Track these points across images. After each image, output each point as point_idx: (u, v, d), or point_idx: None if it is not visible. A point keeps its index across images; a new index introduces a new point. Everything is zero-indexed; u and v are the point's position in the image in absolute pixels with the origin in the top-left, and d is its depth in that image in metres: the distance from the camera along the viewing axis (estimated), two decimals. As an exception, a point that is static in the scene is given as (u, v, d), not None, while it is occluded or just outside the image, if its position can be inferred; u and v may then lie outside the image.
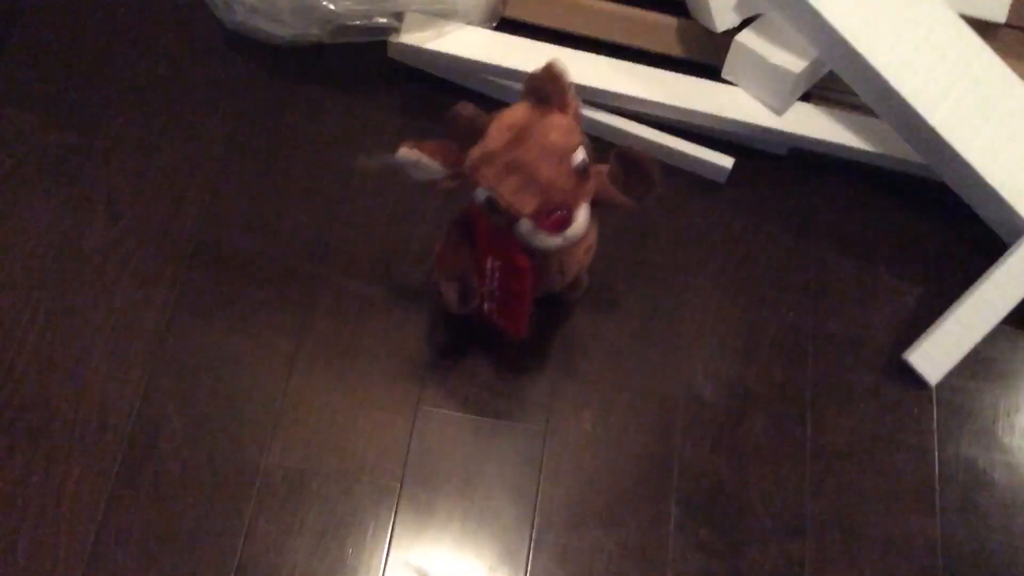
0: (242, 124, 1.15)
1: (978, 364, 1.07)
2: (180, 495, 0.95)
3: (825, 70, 1.12)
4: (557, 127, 0.83)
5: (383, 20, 1.09)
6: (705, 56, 1.19)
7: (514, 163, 0.81)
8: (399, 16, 1.10)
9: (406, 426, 1.00)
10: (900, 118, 1.06)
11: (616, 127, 1.15)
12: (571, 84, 0.85)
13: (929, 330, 1.06)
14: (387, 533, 0.95)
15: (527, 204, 0.82)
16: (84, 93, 1.15)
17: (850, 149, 1.12)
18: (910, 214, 1.16)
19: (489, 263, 0.92)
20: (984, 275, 1.05)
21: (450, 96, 1.17)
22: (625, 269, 1.10)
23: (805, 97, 1.16)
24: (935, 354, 1.05)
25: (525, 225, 0.84)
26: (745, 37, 1.10)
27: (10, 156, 1.11)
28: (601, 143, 1.16)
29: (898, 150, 1.11)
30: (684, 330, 1.08)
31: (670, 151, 1.15)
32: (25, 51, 1.17)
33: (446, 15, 1.12)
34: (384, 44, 1.14)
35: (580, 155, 0.83)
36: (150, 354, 1.01)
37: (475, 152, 0.82)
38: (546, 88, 0.83)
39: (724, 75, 1.15)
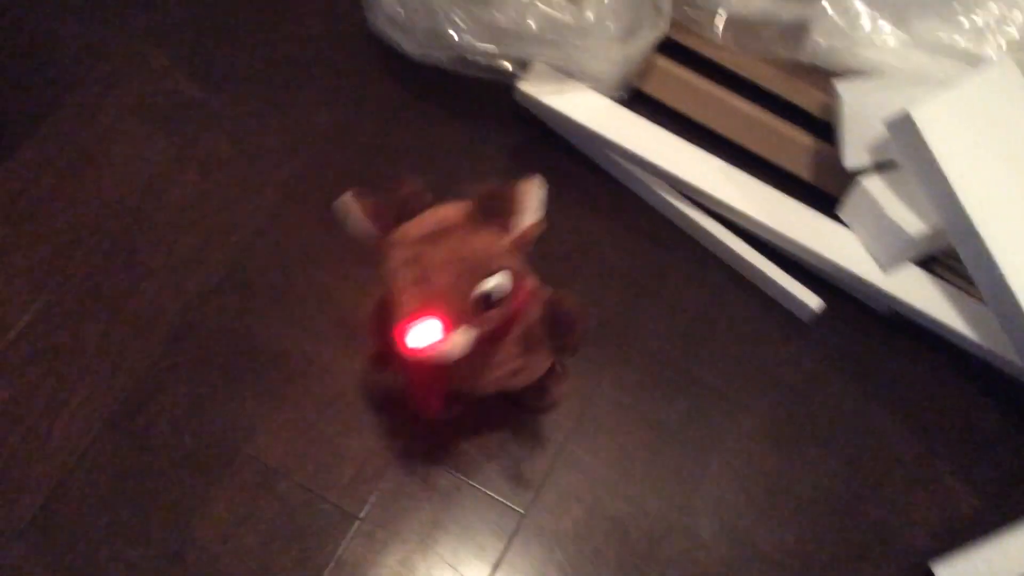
0: (353, 121, 1.16)
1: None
2: (159, 452, 0.97)
3: (948, 241, 1.02)
4: (479, 244, 0.76)
5: (507, 65, 1.08)
6: (830, 187, 1.11)
7: (419, 258, 0.75)
8: (525, 64, 1.09)
9: (383, 463, 0.98)
10: (1009, 317, 0.95)
11: (710, 231, 1.09)
12: (531, 212, 0.77)
13: (969, 548, 0.94)
14: (331, 558, 0.94)
15: (407, 302, 0.75)
16: (221, 53, 1.20)
17: (951, 330, 1.02)
18: (997, 418, 1.04)
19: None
20: (1053, 515, 0.93)
21: (561, 151, 1.16)
22: (671, 372, 1.04)
23: (927, 262, 1.06)
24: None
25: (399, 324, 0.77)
26: (870, 182, 1.02)
27: (136, 91, 1.16)
28: (691, 243, 1.11)
29: (1002, 348, 1.00)
30: (709, 459, 1.01)
31: (759, 273, 1.08)
32: (186, 2, 1.23)
33: (573, 74, 1.09)
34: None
35: (493, 282, 0.75)
36: (186, 313, 1.04)
37: (396, 232, 0.78)
38: (494, 202, 0.77)
39: (840, 214, 1.06)
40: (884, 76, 1.06)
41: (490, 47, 1.06)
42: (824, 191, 1.12)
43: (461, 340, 0.75)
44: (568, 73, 1.10)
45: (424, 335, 0.74)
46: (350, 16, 1.21)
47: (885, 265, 1.03)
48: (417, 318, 0.74)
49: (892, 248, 1.01)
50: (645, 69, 1.16)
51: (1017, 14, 1.05)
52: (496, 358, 0.84)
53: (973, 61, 1.06)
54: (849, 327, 1.08)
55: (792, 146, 1.13)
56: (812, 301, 1.06)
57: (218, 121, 1.15)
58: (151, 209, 1.09)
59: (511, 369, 0.86)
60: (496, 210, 0.77)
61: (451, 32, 1.05)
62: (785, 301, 1.08)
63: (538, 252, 1.08)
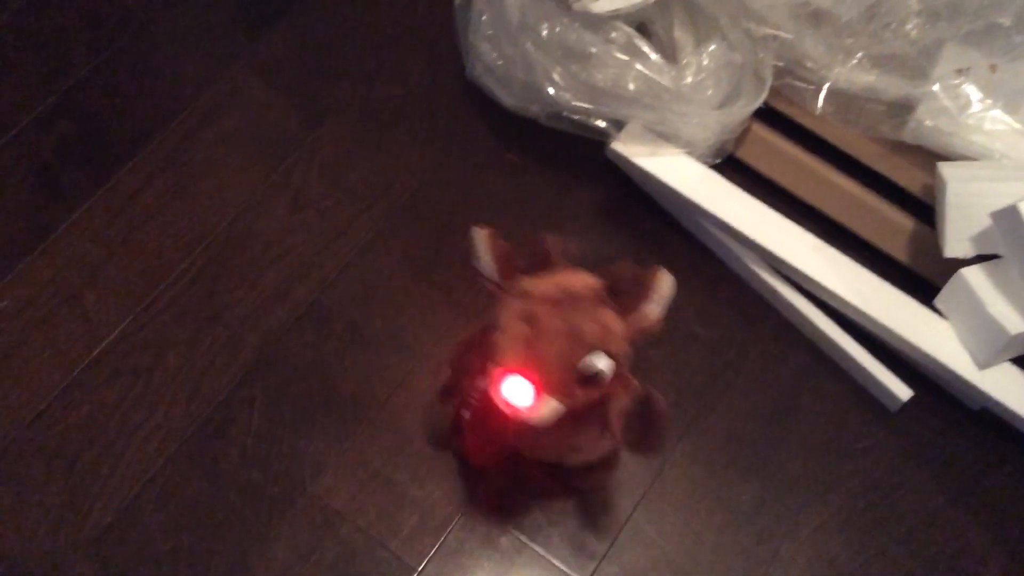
0: (444, 166, 1.17)
1: None
2: (227, 483, 0.98)
3: (1051, 342, 0.98)
4: (598, 321, 0.75)
5: (602, 124, 1.07)
6: (930, 274, 1.07)
7: (535, 318, 0.75)
8: (619, 124, 1.08)
9: (450, 513, 0.97)
10: (1114, 429, 0.90)
11: (798, 308, 1.06)
12: (659, 301, 0.77)
13: (1055, 676, 0.89)
14: (386, 610, 0.93)
15: (512, 357, 0.75)
16: (322, 89, 1.21)
17: (1048, 436, 0.97)
18: (1094, 535, 0.99)
19: (480, 380, 0.86)
20: None
21: (649, 212, 1.14)
22: (748, 452, 1.01)
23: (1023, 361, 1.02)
24: None
25: (495, 373, 0.77)
26: (970, 273, 0.98)
27: (235, 121, 1.19)
28: (778, 319, 1.08)
29: (1103, 461, 0.95)
30: (780, 548, 0.97)
31: (846, 356, 1.04)
32: (291, 33, 1.25)
33: (667, 137, 1.08)
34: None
35: (599, 364, 0.75)
36: (265, 345, 1.05)
37: (521, 284, 0.78)
38: (626, 285, 0.77)
39: (936, 303, 1.03)
40: (990, 163, 1.03)
41: (587, 105, 1.06)
42: (920, 276, 1.08)
43: (549, 410, 0.74)
44: (662, 135, 1.09)
45: (517, 393, 0.74)
46: (449, 63, 1.22)
47: (980, 361, 0.98)
48: (515, 374, 0.74)
49: (989, 344, 0.97)
50: (743, 136, 1.14)
51: None
52: (566, 432, 0.83)
53: (1088, 154, 1.02)
54: (937, 420, 1.03)
55: (890, 227, 1.10)
56: (901, 391, 1.02)
57: (312, 156, 1.17)
58: (239, 239, 1.11)
59: (575, 446, 0.85)
60: (624, 293, 0.77)
61: (548, 88, 1.05)
62: (872, 387, 1.04)
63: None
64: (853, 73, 1.09)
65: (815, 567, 0.96)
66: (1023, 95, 1.03)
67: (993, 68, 1.03)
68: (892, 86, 1.09)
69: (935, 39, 1.08)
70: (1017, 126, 1.03)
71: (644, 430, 0.80)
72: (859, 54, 1.10)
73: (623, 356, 0.77)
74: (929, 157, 1.07)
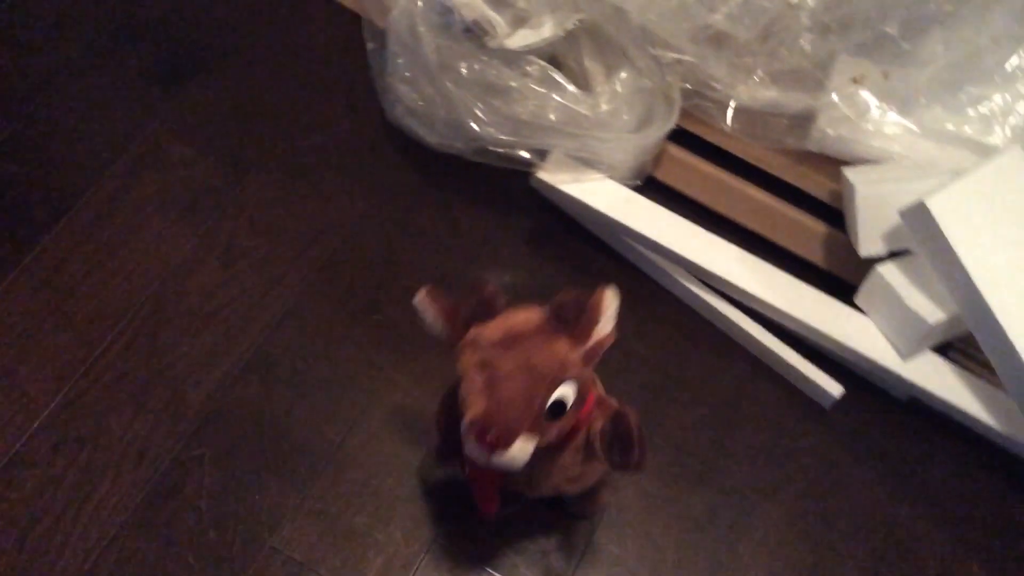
0: (374, 209, 1.18)
1: None
2: (184, 545, 0.96)
3: (965, 327, 1.04)
4: (551, 353, 0.76)
5: (526, 154, 1.10)
6: (847, 274, 1.13)
7: (489, 364, 0.76)
8: (543, 154, 1.11)
9: (415, 552, 0.98)
10: (1031, 403, 0.96)
11: (731, 319, 1.10)
12: (605, 320, 0.78)
13: (1003, 642, 0.94)
14: (359, 657, 0.93)
15: (473, 407, 0.75)
16: (241, 144, 1.22)
17: (971, 418, 1.02)
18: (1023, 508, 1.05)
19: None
20: (1083, 604, 0.93)
21: (579, 238, 1.17)
22: (695, 467, 1.04)
23: (944, 349, 1.08)
24: (1002, 672, 0.93)
25: (464, 426, 0.77)
26: (886, 270, 1.04)
27: (156, 181, 1.18)
28: (713, 331, 1.12)
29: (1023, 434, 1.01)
30: (737, 551, 1.00)
31: (780, 360, 1.09)
32: (203, 92, 1.25)
33: (589, 163, 1.12)
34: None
35: (561, 393, 0.76)
36: (209, 402, 1.04)
37: (470, 334, 0.78)
38: (572, 311, 0.78)
39: (857, 301, 1.08)
40: (893, 165, 1.09)
41: (511, 138, 1.09)
42: (838, 277, 1.14)
43: (522, 450, 0.75)
44: (584, 161, 1.13)
45: (485, 446, 0.74)
46: (369, 107, 1.23)
47: (903, 351, 1.04)
48: (482, 423, 0.74)
49: (910, 335, 1.02)
50: (659, 157, 1.19)
51: (1022, 104, 1.09)
52: (556, 464, 0.84)
53: (979, 150, 1.09)
54: (869, 414, 1.08)
55: (805, 233, 1.15)
56: (832, 388, 1.07)
57: (240, 209, 1.17)
58: (173, 298, 1.10)
59: (570, 476, 0.86)
60: (571, 319, 0.77)
61: (472, 124, 1.08)
62: (806, 388, 1.09)
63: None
64: (755, 90, 1.15)
65: (772, 567, 1.00)
66: (916, 99, 1.10)
67: (886, 75, 1.10)
68: (793, 100, 1.15)
69: (828, 52, 1.14)
70: (913, 128, 1.09)
71: (622, 448, 0.81)
72: (759, 72, 1.15)
73: (585, 379, 0.79)
74: (834, 164, 1.13)
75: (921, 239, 1.00)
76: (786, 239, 1.16)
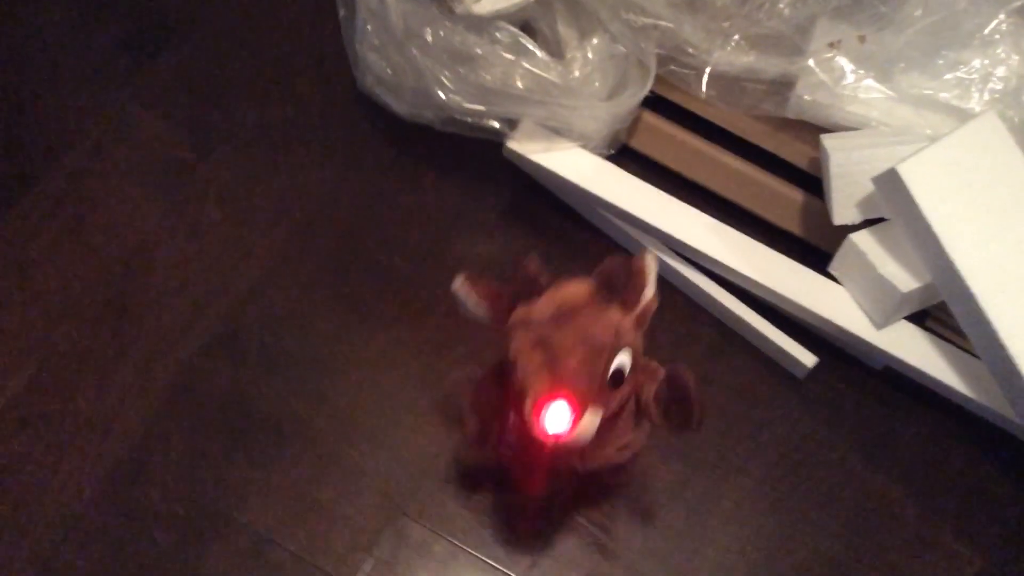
0: (345, 181, 1.17)
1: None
2: (150, 521, 0.96)
3: (939, 295, 1.02)
4: (606, 323, 0.76)
5: (495, 124, 1.08)
6: (824, 243, 1.11)
7: (546, 341, 0.75)
8: (513, 123, 1.09)
9: (381, 526, 0.97)
10: (1004, 374, 0.95)
11: (702, 288, 1.09)
12: (650, 285, 0.79)
13: (974, 613, 0.93)
14: (325, 630, 0.93)
15: (537, 387, 0.75)
16: (212, 116, 1.20)
17: (947, 387, 1.01)
18: (1000, 475, 1.03)
19: (512, 417, 0.87)
20: (1054, 574, 0.92)
21: (553, 208, 1.16)
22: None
23: (920, 318, 1.06)
24: (972, 643, 0.92)
25: (528, 407, 0.77)
26: (860, 238, 1.02)
27: (125, 155, 1.17)
28: (686, 301, 1.11)
29: (998, 403, 0.99)
30: (706, 523, 0.99)
31: (752, 330, 1.08)
32: (175, 65, 1.24)
33: (561, 132, 1.10)
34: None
35: (620, 360, 0.76)
36: (177, 377, 1.03)
37: (518, 314, 0.78)
38: (618, 280, 0.78)
39: (831, 270, 1.06)
40: (870, 131, 1.07)
41: (478, 106, 1.07)
42: (815, 246, 1.12)
43: (592, 423, 0.75)
44: (556, 131, 1.11)
45: (557, 419, 0.74)
46: (340, 77, 1.22)
47: (877, 321, 1.03)
48: (549, 402, 0.74)
49: (884, 304, 1.01)
50: (634, 125, 1.17)
51: (1001, 69, 1.06)
52: (612, 434, 0.83)
53: (958, 115, 1.06)
54: (843, 384, 1.07)
55: (782, 201, 1.13)
56: (806, 358, 1.05)
57: (209, 184, 1.15)
58: (140, 273, 1.09)
59: (621, 444, 0.86)
60: (621, 285, 0.77)
61: (439, 92, 1.05)
62: (779, 358, 1.08)
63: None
64: (732, 55, 1.12)
65: (743, 537, 0.99)
66: (893, 63, 1.08)
67: (862, 39, 1.08)
68: (770, 65, 1.12)
69: (807, 15, 1.11)
70: (890, 93, 1.07)
71: (681, 409, 0.80)
72: (736, 36, 1.13)
73: (638, 346, 0.78)
74: (813, 131, 1.10)
75: (894, 206, 0.98)
76: (763, 208, 1.15)
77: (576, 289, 0.79)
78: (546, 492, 0.95)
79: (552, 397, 0.74)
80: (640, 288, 0.78)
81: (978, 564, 0.99)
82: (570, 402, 0.74)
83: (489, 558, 0.96)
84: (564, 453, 0.85)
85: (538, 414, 0.75)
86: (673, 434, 0.89)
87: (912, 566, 0.98)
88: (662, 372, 0.84)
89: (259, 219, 1.14)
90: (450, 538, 0.97)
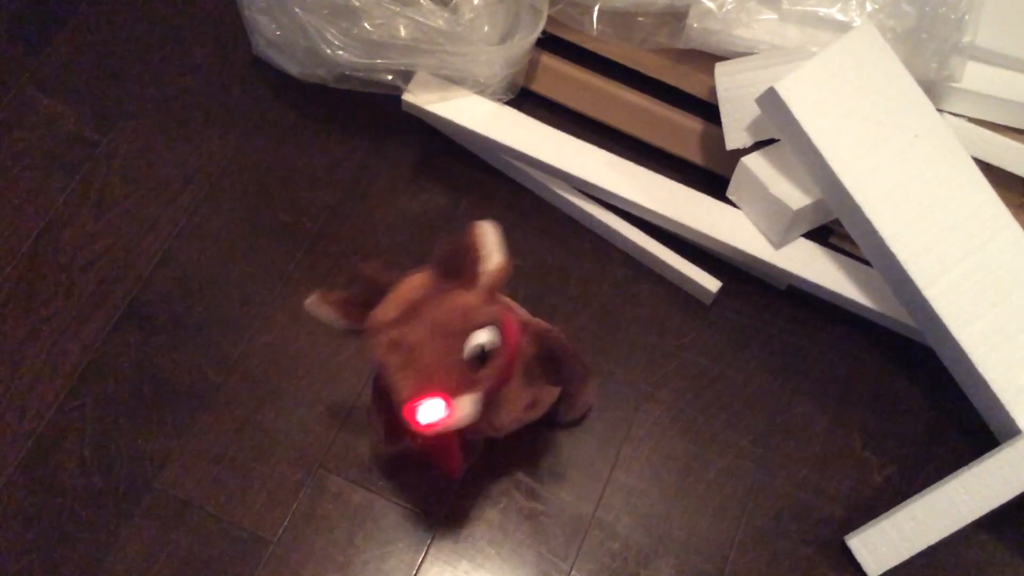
0: (248, 147, 1.17)
1: (929, 568, 0.96)
2: (70, 495, 0.97)
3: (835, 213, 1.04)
4: (452, 308, 0.76)
5: (388, 77, 1.08)
6: (725, 170, 1.12)
7: (398, 341, 0.75)
8: (408, 75, 1.09)
9: (298, 480, 0.99)
10: (896, 282, 0.96)
11: (608, 224, 1.10)
12: (492, 256, 0.77)
13: (881, 517, 0.95)
14: (246, 586, 0.94)
15: (402, 387, 0.75)
16: (111, 92, 1.20)
17: (847, 300, 1.03)
18: (903, 382, 1.05)
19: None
20: (956, 472, 0.94)
21: (459, 159, 1.16)
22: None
23: (824, 235, 1.08)
24: (880, 545, 0.94)
25: (400, 410, 0.77)
26: (751, 160, 1.03)
27: (25, 138, 1.16)
28: (593, 238, 1.12)
29: (895, 311, 1.01)
30: (620, 449, 1.01)
31: (658, 261, 1.09)
32: (70, 45, 1.23)
33: (456, 80, 1.10)
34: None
35: (479, 338, 0.75)
36: (88, 352, 1.04)
37: (368, 320, 0.78)
38: (455, 259, 0.77)
39: (728, 195, 1.07)
40: (760, 55, 1.07)
41: (366, 60, 1.07)
42: (717, 175, 1.13)
43: (468, 406, 0.75)
44: (450, 80, 1.11)
45: (431, 413, 0.74)
46: (236, 43, 1.22)
47: (775, 241, 1.04)
48: (418, 400, 0.74)
49: (778, 223, 1.02)
50: (531, 68, 1.17)
51: (883, -18, 1.07)
52: (506, 399, 0.84)
53: (843, 30, 1.07)
54: (749, 306, 1.09)
55: (683, 132, 1.14)
56: (710, 283, 1.07)
57: (110, 158, 1.15)
58: (47, 253, 1.09)
59: (524, 404, 0.86)
60: (458, 265, 0.77)
61: (326, 49, 1.05)
62: (685, 286, 1.09)
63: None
64: (620, -10, 1.13)
65: (655, 462, 1.01)
66: (776, -15, 1.08)
67: (742, -37, 1.08)
68: (658, -3, 1.12)
69: (691, -56, 1.11)
70: (773, 15, 1.07)
71: (555, 367, 0.81)
72: (623, -29, 1.13)
73: (499, 315, 0.77)
74: (711, 61, 1.11)
75: (778, 125, 0.99)
76: (664, 140, 1.15)
77: (415, 282, 0.79)
78: (466, 466, 0.96)
79: (418, 395, 0.75)
80: (475, 262, 0.77)
81: (886, 471, 1.01)
82: (437, 395, 0.74)
83: (407, 502, 0.98)
84: (470, 431, 0.84)
85: (409, 413, 0.75)
86: (562, 387, 0.90)
87: (823, 477, 1.00)
88: (541, 326, 0.85)
89: (164, 188, 1.14)
90: (368, 487, 0.99)
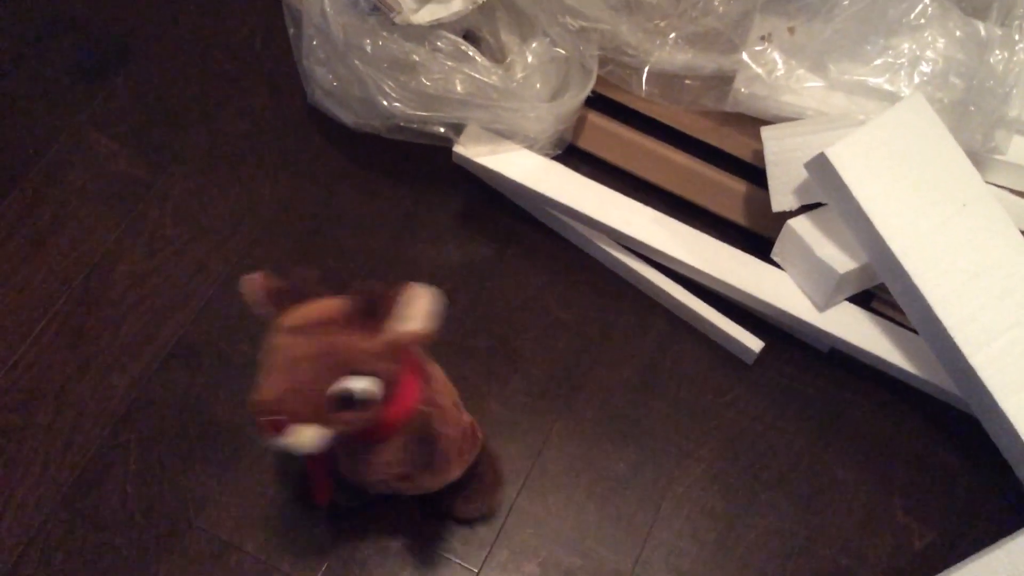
0: (297, 194, 1.19)
1: (972, 639, 0.95)
2: (112, 530, 0.98)
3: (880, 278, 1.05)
4: (340, 343, 0.75)
5: (440, 129, 1.11)
6: (768, 232, 1.13)
7: (284, 347, 0.75)
8: (459, 128, 1.12)
9: (339, 525, 0.99)
10: (941, 348, 0.97)
11: (651, 280, 1.11)
12: (412, 320, 0.76)
13: (923, 584, 0.95)
14: (285, 629, 0.94)
15: (263, 391, 0.74)
16: (167, 134, 1.22)
17: (889, 364, 1.03)
18: (945, 448, 1.05)
19: None
20: (998, 542, 0.93)
21: (504, 211, 1.18)
22: (620, 423, 1.05)
23: (866, 300, 1.08)
24: (922, 613, 0.93)
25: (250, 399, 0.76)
26: (798, 223, 1.04)
27: (81, 175, 1.19)
28: (635, 293, 1.13)
29: (941, 379, 1.01)
30: (660, 506, 1.01)
31: (701, 319, 1.10)
32: (129, 85, 1.26)
33: (506, 134, 1.12)
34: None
35: (351, 384, 0.74)
36: (134, 389, 1.05)
37: (282, 316, 0.77)
38: (372, 303, 0.76)
39: (773, 256, 1.09)
40: (806, 120, 1.10)
41: (421, 112, 1.09)
42: (760, 235, 1.14)
43: (309, 437, 0.74)
44: (501, 134, 1.13)
45: (269, 424, 0.74)
46: (292, 91, 1.24)
47: (819, 304, 1.05)
48: (264, 406, 0.74)
49: (823, 286, 1.03)
50: (579, 125, 1.19)
51: (928, 52, 1.09)
52: (378, 459, 0.83)
53: (890, 99, 1.09)
54: (791, 367, 1.09)
55: (726, 193, 1.16)
56: (753, 343, 1.07)
57: (164, 199, 1.18)
58: (98, 289, 1.11)
59: (395, 475, 0.85)
60: (373, 311, 0.76)
61: (381, 100, 1.08)
62: (727, 344, 1.10)
63: (484, 312, 1.11)
64: (670, 53, 1.15)
65: (695, 520, 1.01)
66: (824, 53, 1.10)
67: (791, 31, 1.10)
68: (707, 61, 1.15)
69: (740, 11, 1.14)
70: (823, 82, 1.09)
71: (425, 450, 0.82)
72: (672, 35, 1.15)
73: (390, 374, 0.77)
74: (756, 124, 1.13)
75: (826, 190, 1.01)
76: (708, 200, 1.17)
77: (328, 304, 0.78)
78: (331, 504, 0.95)
79: (269, 402, 0.74)
80: (393, 316, 0.76)
81: (927, 536, 1.00)
82: (284, 412, 0.74)
83: (447, 552, 0.98)
84: (331, 464, 0.86)
85: (255, 410, 0.74)
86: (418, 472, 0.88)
87: (863, 542, 1.00)
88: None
89: (215, 230, 1.16)
90: (408, 535, 0.98)
